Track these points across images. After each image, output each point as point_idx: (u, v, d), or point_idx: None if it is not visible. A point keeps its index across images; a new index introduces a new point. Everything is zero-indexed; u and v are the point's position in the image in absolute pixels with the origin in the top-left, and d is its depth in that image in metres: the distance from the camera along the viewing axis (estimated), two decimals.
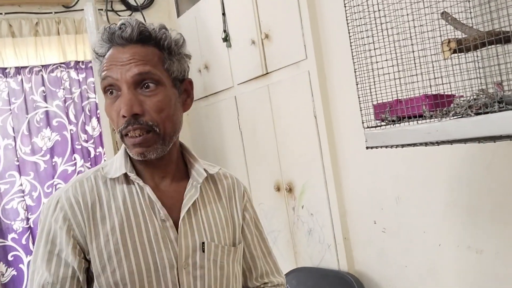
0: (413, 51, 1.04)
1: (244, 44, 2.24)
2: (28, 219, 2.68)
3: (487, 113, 0.84)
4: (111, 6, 2.94)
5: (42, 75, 2.77)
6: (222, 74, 2.50)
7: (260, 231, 1.12)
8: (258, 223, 1.12)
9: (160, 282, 0.90)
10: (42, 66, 2.77)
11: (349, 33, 1.14)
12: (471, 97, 0.92)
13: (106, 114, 0.93)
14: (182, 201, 0.96)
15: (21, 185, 2.69)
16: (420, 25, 1.02)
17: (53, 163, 2.78)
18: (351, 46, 1.14)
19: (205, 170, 1.01)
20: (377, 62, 1.08)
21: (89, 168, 2.81)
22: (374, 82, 1.10)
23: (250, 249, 1.08)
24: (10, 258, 2.65)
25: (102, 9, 2.83)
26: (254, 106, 2.29)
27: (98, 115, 2.85)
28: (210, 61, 2.60)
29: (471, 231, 1.43)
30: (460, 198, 1.44)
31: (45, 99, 2.77)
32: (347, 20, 1.14)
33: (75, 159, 2.82)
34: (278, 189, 2.20)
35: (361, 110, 1.13)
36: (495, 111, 0.83)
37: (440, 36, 1.01)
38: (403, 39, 1.05)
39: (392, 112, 1.05)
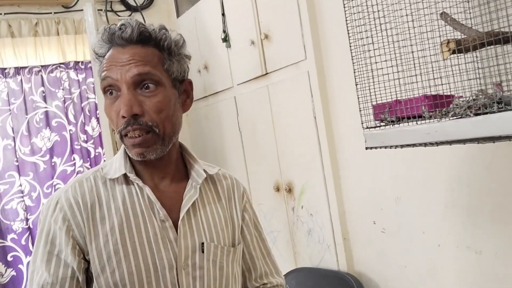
0: (413, 52, 1.04)
1: (243, 45, 2.24)
2: (27, 219, 2.68)
3: (486, 113, 0.84)
4: (111, 7, 2.94)
5: (41, 76, 2.77)
6: (222, 75, 2.50)
7: (260, 231, 1.12)
8: (258, 223, 1.12)
9: (159, 283, 0.90)
10: (42, 66, 2.77)
11: (348, 33, 1.14)
12: (471, 98, 0.92)
13: (105, 114, 0.93)
14: (181, 201, 0.96)
15: (20, 185, 2.68)
16: (420, 26, 1.02)
17: (53, 163, 2.78)
18: (350, 46, 1.14)
19: (204, 170, 1.01)
20: (376, 62, 1.08)
21: (88, 168, 2.81)
22: (374, 82, 1.10)
23: (249, 249, 1.08)
24: (9, 258, 2.65)
25: (101, 10, 2.83)
26: (253, 107, 2.30)
27: (97, 116, 2.85)
28: (210, 61, 2.60)
29: (471, 232, 1.43)
30: (460, 198, 1.45)
31: (44, 99, 2.77)
32: (346, 20, 1.14)
33: (74, 159, 2.82)
34: (278, 189, 2.20)
35: (360, 111, 1.13)
36: (494, 112, 0.83)
37: (440, 36, 1.01)
38: (402, 40, 1.05)
39: (391, 113, 1.05)
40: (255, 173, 2.37)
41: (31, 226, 2.68)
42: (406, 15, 1.03)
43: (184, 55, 0.97)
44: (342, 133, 1.85)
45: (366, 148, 1.12)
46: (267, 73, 2.15)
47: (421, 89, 1.03)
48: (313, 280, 1.97)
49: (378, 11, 1.07)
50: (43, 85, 2.77)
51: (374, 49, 1.09)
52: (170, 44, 0.93)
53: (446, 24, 1.04)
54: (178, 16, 2.99)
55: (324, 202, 1.94)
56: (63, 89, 2.81)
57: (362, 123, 1.13)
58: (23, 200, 2.68)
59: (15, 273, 2.66)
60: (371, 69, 1.10)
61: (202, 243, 0.95)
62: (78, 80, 2.85)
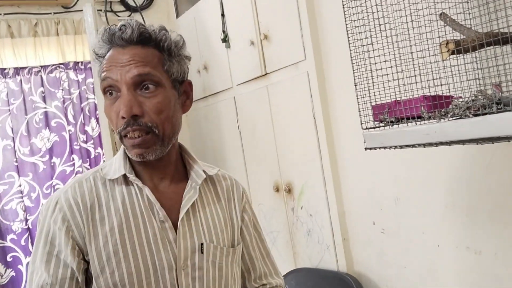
0: (412, 52, 1.04)
1: (243, 45, 2.24)
2: (27, 220, 2.68)
3: (485, 114, 0.84)
4: (110, 7, 2.94)
5: (41, 76, 2.77)
6: (221, 75, 2.50)
7: (259, 232, 1.12)
8: (257, 224, 1.12)
9: (159, 283, 0.90)
10: (41, 66, 2.77)
11: (347, 34, 1.14)
12: (470, 99, 0.92)
13: (105, 115, 0.93)
14: (181, 202, 0.96)
15: (20, 185, 2.68)
16: (419, 26, 1.02)
17: (52, 164, 2.78)
18: (349, 47, 1.14)
19: (204, 171, 1.01)
20: (375, 63, 1.09)
21: (88, 168, 2.81)
22: (373, 83, 1.10)
23: (248, 250, 1.08)
24: (9, 259, 2.65)
25: (101, 10, 2.83)
26: (253, 107, 2.30)
27: (97, 116, 2.85)
28: (209, 61, 2.60)
29: (470, 232, 1.43)
30: (459, 198, 1.45)
31: (44, 99, 2.77)
32: (345, 21, 1.14)
33: (73, 159, 2.81)
34: (277, 190, 2.20)
35: (359, 111, 1.13)
36: (493, 112, 0.83)
37: (439, 37, 1.01)
38: (401, 40, 1.05)
39: (390, 113, 1.05)
40: (255, 173, 2.37)
41: (30, 227, 2.68)
42: (406, 15, 1.03)
43: (184, 56, 0.97)
44: (341, 134, 1.85)
45: (366, 149, 1.12)
46: (266, 74, 2.15)
47: (420, 89, 1.03)
48: (312, 281, 1.97)
49: (378, 11, 1.07)
50: (42, 85, 2.77)
51: (373, 50, 1.09)
52: (170, 45, 0.93)
53: (445, 24, 1.04)
54: (177, 16, 2.99)
55: (324, 203, 1.94)
56: (62, 90, 2.81)
57: (361, 124, 1.13)
58: (23, 201, 2.68)
59: (14, 274, 2.65)
60: (371, 70, 1.10)
61: (202, 244, 0.95)
62: (78, 80, 2.85)
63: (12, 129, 2.69)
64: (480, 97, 0.90)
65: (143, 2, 3.05)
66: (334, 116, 1.87)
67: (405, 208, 1.64)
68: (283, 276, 1.18)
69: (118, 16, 2.97)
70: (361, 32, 1.11)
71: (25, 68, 2.74)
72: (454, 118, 0.91)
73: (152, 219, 0.93)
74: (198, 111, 2.82)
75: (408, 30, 1.03)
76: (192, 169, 1.01)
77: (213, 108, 2.67)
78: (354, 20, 1.12)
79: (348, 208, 1.88)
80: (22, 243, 2.66)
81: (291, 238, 2.17)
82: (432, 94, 1.01)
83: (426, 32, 1.02)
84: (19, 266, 2.66)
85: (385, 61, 1.07)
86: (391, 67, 1.06)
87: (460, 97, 1.03)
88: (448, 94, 1.06)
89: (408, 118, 1.02)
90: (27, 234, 2.68)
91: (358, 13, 1.11)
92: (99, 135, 2.84)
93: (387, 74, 1.07)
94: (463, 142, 0.96)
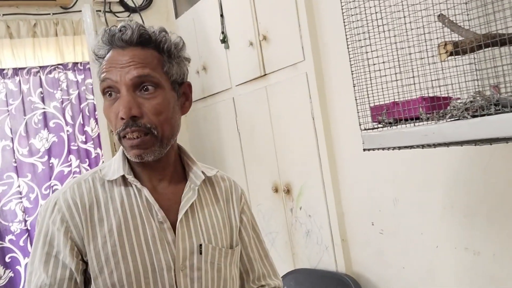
0: (410, 54, 1.04)
1: (242, 46, 2.24)
2: (25, 221, 2.68)
3: (483, 115, 0.85)
4: (109, 8, 2.94)
5: (40, 76, 2.77)
6: (220, 76, 2.50)
7: (257, 233, 1.12)
8: (255, 225, 1.12)
9: (157, 284, 0.90)
10: (40, 67, 2.77)
11: (346, 35, 1.14)
12: (468, 100, 0.93)
13: (104, 115, 0.94)
14: (179, 203, 0.96)
15: (18, 186, 2.68)
16: (417, 28, 1.02)
17: (50, 165, 2.77)
18: (348, 48, 1.15)
19: (203, 172, 1.01)
20: (374, 64, 1.09)
21: (87, 169, 2.81)
22: (371, 84, 1.11)
23: (247, 251, 1.08)
24: (7, 259, 2.64)
25: (100, 11, 2.83)
26: (252, 108, 2.30)
27: (96, 117, 2.85)
28: (208, 62, 2.61)
29: (469, 233, 1.43)
30: (458, 199, 1.45)
31: (42, 100, 2.77)
32: (344, 22, 1.14)
33: (70, 160, 2.81)
34: (276, 191, 2.20)
35: (358, 112, 1.13)
36: (491, 114, 0.83)
37: (437, 38, 1.02)
38: (400, 42, 1.05)
39: (389, 114, 1.06)
40: (254, 174, 2.37)
41: (29, 228, 2.68)
42: (404, 17, 1.03)
43: (183, 58, 0.97)
44: (340, 135, 1.85)
45: (364, 150, 1.12)
46: (265, 74, 2.15)
47: (418, 91, 1.03)
48: (311, 281, 1.97)
49: (376, 13, 1.08)
50: (41, 86, 2.77)
51: (372, 51, 1.09)
52: (170, 47, 0.93)
53: (443, 26, 1.04)
54: (176, 17, 2.99)
55: (323, 203, 1.94)
56: (61, 90, 2.81)
57: (360, 125, 1.13)
58: (21, 202, 2.68)
59: (13, 275, 2.65)
60: (369, 71, 1.11)
61: (200, 245, 0.95)
62: (77, 81, 2.85)
63: (11, 129, 2.69)
64: (478, 98, 0.90)
65: (142, 2, 3.05)
66: (333, 117, 1.87)
67: (404, 209, 1.64)
68: (282, 277, 1.18)
69: (117, 17, 2.97)
70: (359, 33, 1.11)
71: (24, 68, 2.74)
72: (452, 119, 0.91)
73: (151, 220, 0.93)
74: (197, 112, 2.82)
75: (406, 32, 1.03)
76: (190, 170, 1.01)
77: (212, 108, 2.67)
78: (353, 21, 1.12)
79: (347, 209, 1.88)
80: (21, 244, 2.66)
81: (290, 238, 2.17)
82: (431, 95, 1.01)
83: (424, 34, 1.02)
84: (18, 267, 2.66)
85: (383, 62, 1.07)
86: (389, 68, 1.06)
87: (459, 98, 1.03)
88: (446, 95, 1.06)
89: (406, 119, 1.02)
90: (26, 235, 2.68)
91: (356, 14, 1.11)
92: (99, 136, 2.84)
93: (386, 75, 1.07)
94: (461, 143, 0.96)
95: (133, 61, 0.88)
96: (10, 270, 2.65)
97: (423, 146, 0.99)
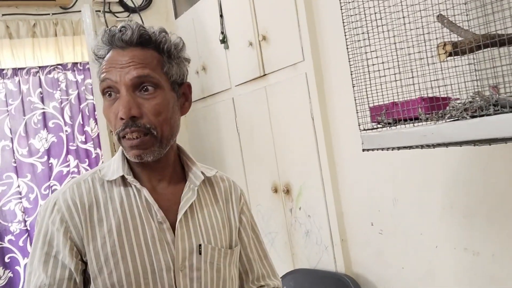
0: (409, 54, 1.04)
1: (241, 46, 2.24)
2: (25, 221, 2.68)
3: (482, 116, 0.85)
4: (109, 8, 2.94)
5: (39, 77, 2.77)
6: (220, 76, 2.50)
7: (257, 234, 1.12)
8: (255, 226, 1.12)
9: (156, 284, 0.90)
10: (39, 67, 2.77)
11: (345, 35, 1.14)
12: (467, 100, 0.93)
13: (104, 116, 0.94)
14: (179, 203, 0.96)
15: (18, 186, 2.68)
16: (416, 28, 1.02)
17: (49, 165, 2.77)
18: (347, 48, 1.15)
19: (202, 173, 1.01)
20: (373, 64, 1.09)
21: (86, 169, 2.81)
22: (371, 84, 1.11)
23: (246, 251, 1.08)
24: (7, 260, 2.64)
25: (99, 11, 2.83)
26: (251, 108, 2.30)
27: (96, 117, 2.85)
28: (208, 62, 2.61)
29: (468, 233, 1.43)
30: (457, 200, 1.45)
31: (42, 100, 2.77)
32: (343, 22, 1.14)
33: (69, 160, 2.81)
34: (276, 191, 2.20)
35: (357, 112, 1.13)
36: (490, 114, 0.83)
37: (436, 39, 1.02)
38: (399, 42, 1.06)
39: (388, 115, 1.06)
40: (253, 174, 2.37)
41: (28, 228, 2.68)
42: (403, 17, 1.03)
43: (183, 58, 0.97)
44: (339, 135, 1.85)
45: (363, 150, 1.12)
46: (265, 75, 2.15)
47: (417, 91, 1.03)
48: (310, 282, 1.98)
49: (375, 13, 1.08)
50: (40, 86, 2.77)
51: (371, 51, 1.09)
52: (170, 47, 0.93)
53: (443, 26, 1.04)
54: (176, 17, 2.99)
55: (322, 204, 1.94)
56: (60, 90, 2.81)
57: (359, 125, 1.13)
58: (21, 202, 2.68)
59: (12, 275, 2.65)
60: (368, 71, 1.11)
61: (200, 245, 0.95)
62: (76, 81, 2.85)
63: (10, 129, 2.69)
64: (477, 98, 0.91)
65: (142, 3, 3.05)
66: (332, 117, 1.87)
67: (403, 209, 1.64)
68: (281, 277, 1.18)
69: (117, 17, 2.97)
70: (359, 34, 1.11)
71: (23, 68, 2.74)
72: (452, 119, 0.92)
73: (150, 220, 0.93)
74: (197, 112, 2.82)
75: (405, 32, 1.03)
76: (190, 171, 1.01)
77: (211, 109, 2.67)
78: (352, 22, 1.12)
79: (346, 209, 1.88)
80: (20, 244, 2.66)
81: (289, 239, 2.18)
82: (430, 95, 1.01)
83: (423, 34, 1.02)
84: (17, 267, 2.66)
85: (382, 63, 1.07)
86: (388, 68, 1.07)
87: (458, 99, 1.03)
88: (445, 96, 1.06)
89: (405, 120, 1.02)
90: (26, 235, 2.67)
91: (356, 14, 1.11)
92: (98, 136, 2.84)
93: (385, 76, 1.07)
94: (461, 144, 0.96)
95: (133, 62, 0.88)
96: (9, 270, 2.65)
97: (422, 147, 0.99)
